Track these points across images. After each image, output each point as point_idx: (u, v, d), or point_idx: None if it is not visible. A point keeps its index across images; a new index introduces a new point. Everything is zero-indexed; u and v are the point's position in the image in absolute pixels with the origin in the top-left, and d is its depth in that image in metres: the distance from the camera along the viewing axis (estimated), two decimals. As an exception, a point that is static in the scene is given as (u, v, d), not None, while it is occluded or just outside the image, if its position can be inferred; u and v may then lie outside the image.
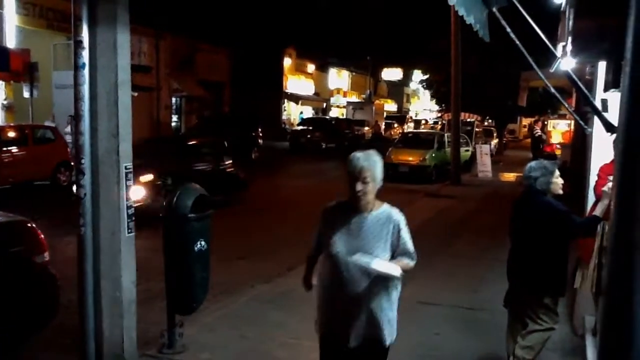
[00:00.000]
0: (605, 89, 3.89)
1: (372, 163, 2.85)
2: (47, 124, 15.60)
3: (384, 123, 42.18)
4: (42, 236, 4.45)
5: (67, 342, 4.55)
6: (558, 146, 21.44)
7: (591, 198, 4.81)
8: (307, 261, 3.29)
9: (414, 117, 52.35)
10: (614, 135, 4.09)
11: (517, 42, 2.92)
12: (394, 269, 2.86)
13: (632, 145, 1.29)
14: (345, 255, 2.87)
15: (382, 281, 2.90)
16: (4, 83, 16.76)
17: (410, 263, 2.98)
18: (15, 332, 4.18)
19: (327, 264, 3.00)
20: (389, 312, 3.04)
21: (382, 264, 2.83)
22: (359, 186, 2.83)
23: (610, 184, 3.72)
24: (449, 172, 17.54)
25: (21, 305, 4.18)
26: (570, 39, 3.99)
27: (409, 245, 2.96)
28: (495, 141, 28.10)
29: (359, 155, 2.87)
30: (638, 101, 1.28)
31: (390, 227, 2.91)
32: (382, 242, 2.89)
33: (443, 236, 9.60)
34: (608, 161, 4.49)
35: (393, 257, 2.94)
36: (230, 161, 13.17)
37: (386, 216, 2.93)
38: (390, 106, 53.67)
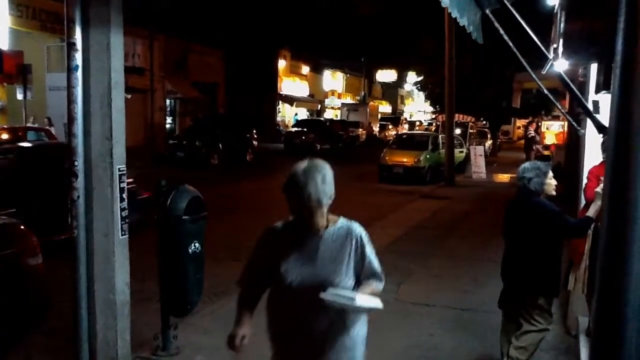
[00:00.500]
0: (597, 91, 3.92)
1: (317, 177, 2.32)
2: (29, 125, 15.53)
3: (378, 124, 42.29)
4: (35, 238, 4.43)
5: (60, 344, 4.53)
6: (545, 151, 21.59)
7: (584, 199, 4.83)
8: (238, 302, 2.62)
9: (408, 119, 52.49)
10: (603, 138, 4.13)
11: (511, 44, 2.94)
12: (376, 301, 2.37)
13: (623, 146, 1.30)
14: (300, 286, 2.37)
15: (344, 316, 2.40)
16: (-3, 85, 16.72)
17: (379, 286, 2.50)
18: (8, 335, 4.16)
19: (276, 301, 2.50)
20: (354, 352, 2.48)
21: (366, 299, 2.33)
22: (304, 211, 2.36)
23: (602, 185, 3.74)
24: (443, 173, 17.59)
25: (13, 307, 4.16)
26: (561, 41, 4.01)
27: (376, 264, 2.49)
28: (489, 142, 28.22)
29: (301, 169, 2.34)
30: (628, 103, 1.28)
31: (351, 245, 2.43)
32: (344, 266, 2.41)
33: (437, 237, 9.62)
34: (597, 163, 4.52)
35: (358, 281, 2.45)
36: None
37: (345, 232, 2.45)
38: (385, 108, 53.78)
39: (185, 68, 27.16)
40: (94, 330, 4.04)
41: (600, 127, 2.65)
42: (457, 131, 21.65)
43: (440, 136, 19.79)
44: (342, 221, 2.50)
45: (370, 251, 2.47)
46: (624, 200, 1.29)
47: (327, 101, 44.37)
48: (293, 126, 34.17)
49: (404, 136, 21.97)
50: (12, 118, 17.15)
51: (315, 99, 42.35)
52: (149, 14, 21.10)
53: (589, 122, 4.73)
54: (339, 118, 39.62)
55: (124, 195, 4.07)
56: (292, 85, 38.32)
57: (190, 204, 4.51)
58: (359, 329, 2.49)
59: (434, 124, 33.88)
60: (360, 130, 36.79)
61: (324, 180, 2.34)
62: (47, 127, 15.88)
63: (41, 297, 4.43)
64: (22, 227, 4.45)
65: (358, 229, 2.48)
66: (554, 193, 4.05)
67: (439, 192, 15.62)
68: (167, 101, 26.88)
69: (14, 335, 4.27)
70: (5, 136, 13.45)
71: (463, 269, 7.51)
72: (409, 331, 5.28)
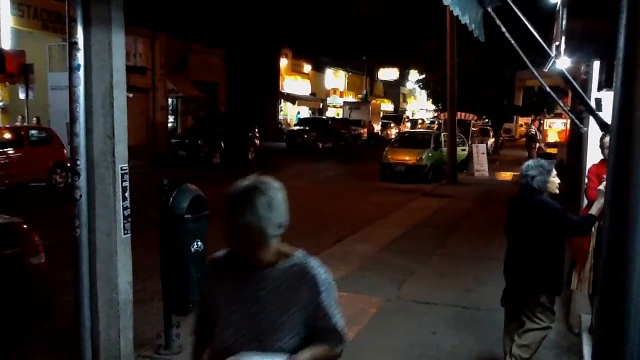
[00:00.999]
0: (599, 89, 3.91)
1: (260, 201, 1.78)
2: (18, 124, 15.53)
3: (380, 123, 42.28)
4: (37, 238, 4.44)
5: (63, 343, 4.54)
6: (543, 146, 21.62)
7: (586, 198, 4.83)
8: (191, 355, 2.12)
9: (410, 117, 52.47)
10: (600, 136, 4.12)
11: (513, 42, 2.93)
12: None
13: (625, 144, 1.30)
14: (233, 342, 1.86)
15: None
16: (-1, 84, 16.74)
17: (335, 350, 1.91)
18: (11, 334, 4.17)
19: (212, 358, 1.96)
20: None
21: None
22: (242, 248, 1.85)
23: (604, 183, 3.73)
24: (445, 172, 17.57)
25: (16, 307, 4.17)
26: (563, 38, 4.01)
27: (335, 318, 1.88)
28: (491, 140, 28.20)
29: (239, 189, 1.82)
30: (630, 100, 1.28)
31: (304, 290, 1.85)
32: (290, 317, 1.84)
33: (439, 235, 9.62)
34: (597, 162, 4.51)
35: (308, 339, 1.87)
36: None
37: (299, 272, 1.87)
38: (387, 106, 53.76)
39: (187, 67, 27.17)
40: (97, 329, 4.05)
41: (602, 125, 2.64)
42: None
43: (442, 134, 19.78)
44: (297, 257, 1.91)
45: (329, 300, 1.87)
46: (626, 198, 1.29)
47: (329, 100, 44.36)
48: (295, 125, 34.18)
49: (406, 134, 21.96)
50: (15, 117, 17.19)
51: (317, 98, 42.34)
52: (150, 13, 21.11)
53: (591, 119, 4.73)
54: (340, 116, 39.63)
55: (127, 194, 4.08)
56: (293, 83, 38.32)
57: (192, 203, 4.51)
58: None
59: (436, 122, 33.86)
60: (363, 129, 36.80)
61: (270, 205, 1.79)
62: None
63: (44, 296, 4.43)
64: (24, 226, 4.46)
65: (317, 268, 1.89)
66: (557, 191, 4.04)
67: (441, 191, 15.61)
68: (169, 100, 26.90)
69: (17, 334, 4.28)
70: (7, 135, 13.47)
71: (465, 267, 7.51)
72: (410, 329, 5.28)
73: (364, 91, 48.80)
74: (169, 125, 27.00)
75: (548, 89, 4.19)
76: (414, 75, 45.25)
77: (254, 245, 1.82)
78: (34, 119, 16.57)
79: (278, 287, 1.86)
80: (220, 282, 1.94)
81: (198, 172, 15.51)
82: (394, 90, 58.10)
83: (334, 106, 44.68)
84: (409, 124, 44.78)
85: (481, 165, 19.26)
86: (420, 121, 48.52)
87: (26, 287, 4.30)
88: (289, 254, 1.91)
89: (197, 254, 4.56)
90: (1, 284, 4.03)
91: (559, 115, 31.64)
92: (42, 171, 13.57)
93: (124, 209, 4.07)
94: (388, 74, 53.60)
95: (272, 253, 1.86)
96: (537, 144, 21.75)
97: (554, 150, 19.64)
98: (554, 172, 4.02)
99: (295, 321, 1.85)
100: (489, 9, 3.13)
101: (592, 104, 2.96)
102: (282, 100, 37.50)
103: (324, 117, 36.56)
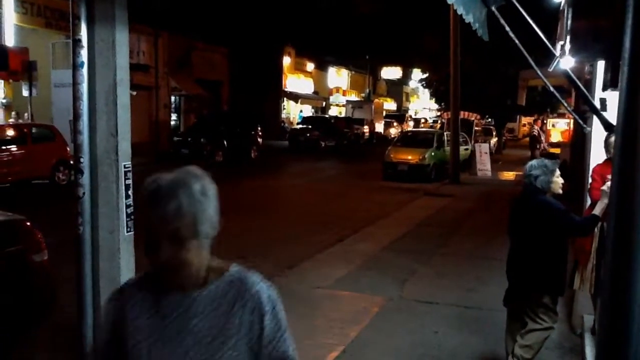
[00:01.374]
0: (604, 88, 3.90)
1: (192, 189, 1.45)
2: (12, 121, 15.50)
3: (383, 122, 42.26)
4: (40, 235, 4.45)
5: (64, 340, 4.55)
6: (546, 146, 21.57)
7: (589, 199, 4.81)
8: None
9: (413, 116, 52.44)
10: (605, 136, 4.10)
11: (516, 41, 2.93)
12: None
13: (631, 145, 1.29)
14: None
15: None
16: (2, 82, 16.75)
17: None
18: (12, 331, 4.18)
19: None
20: None
21: None
22: (167, 248, 1.42)
23: (608, 184, 3.72)
24: (447, 171, 17.56)
25: (18, 303, 4.18)
26: (568, 38, 3.99)
27: (285, 346, 1.54)
28: (494, 140, 28.15)
29: (165, 180, 1.46)
30: (636, 100, 1.28)
31: (245, 313, 1.50)
32: (231, 350, 1.48)
33: (441, 235, 9.61)
34: (601, 161, 4.50)
35: None
36: None
37: (236, 292, 1.51)
38: (390, 105, 53.74)
39: (190, 65, 27.20)
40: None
41: (607, 125, 2.64)
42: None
43: (445, 134, 19.76)
44: (233, 272, 1.54)
45: (276, 324, 1.52)
46: (631, 199, 1.29)
47: (331, 98, 44.36)
48: (298, 123, 34.19)
49: (409, 134, 21.95)
50: (13, 115, 17.19)
51: (320, 96, 42.34)
52: (154, 12, 21.14)
53: (595, 119, 4.72)
54: (343, 115, 39.62)
55: (130, 192, 4.08)
56: (296, 82, 38.33)
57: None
58: None
59: (439, 122, 33.82)
60: (365, 128, 36.80)
61: (205, 193, 1.46)
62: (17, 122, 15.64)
63: (46, 293, 4.44)
64: (27, 223, 4.47)
65: (258, 285, 1.53)
66: (560, 191, 4.03)
67: (443, 190, 15.60)
68: (172, 98, 26.94)
69: (19, 331, 4.29)
70: (11, 132, 13.50)
71: (467, 267, 7.50)
72: (412, 329, 5.28)
73: (367, 90, 48.79)
74: (172, 123, 27.04)
75: (552, 89, 4.19)
76: (417, 74, 45.17)
77: (182, 247, 1.43)
78: (26, 114, 16.55)
79: (212, 312, 1.49)
80: (134, 317, 1.52)
81: (200, 170, 15.52)
82: (396, 89, 58.07)
83: (337, 105, 44.68)
84: (411, 123, 44.74)
85: (484, 165, 19.23)
86: (423, 120, 48.49)
87: (29, 285, 4.31)
88: (223, 270, 1.54)
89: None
90: (4, 281, 4.04)
91: (562, 115, 31.57)
92: (45, 169, 13.60)
93: (127, 206, 4.07)
94: (391, 72, 53.57)
95: (203, 266, 1.50)
96: (542, 145, 21.71)
97: (557, 150, 19.60)
98: (558, 172, 4.01)
99: (239, 354, 1.48)
100: (493, 8, 3.12)
101: (597, 103, 2.95)
102: (284, 99, 37.52)
103: (327, 116, 36.57)
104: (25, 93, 16.28)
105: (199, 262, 1.49)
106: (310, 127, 29.77)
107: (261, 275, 1.58)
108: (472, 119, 24.06)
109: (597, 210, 3.82)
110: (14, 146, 13.16)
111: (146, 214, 1.46)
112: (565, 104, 5.77)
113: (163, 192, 1.43)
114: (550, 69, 3.61)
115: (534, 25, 2.83)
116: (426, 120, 48.99)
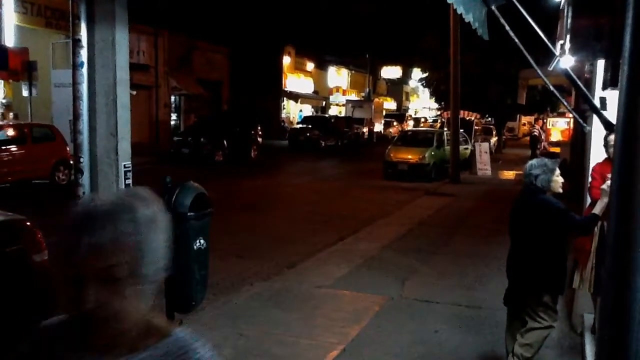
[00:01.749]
0: (604, 87, 3.90)
1: (137, 226, 1.12)
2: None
3: (383, 121, 42.25)
4: (40, 235, 4.45)
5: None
6: (547, 145, 21.58)
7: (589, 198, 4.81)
8: None
9: (413, 115, 52.43)
10: (604, 135, 4.10)
11: (516, 40, 2.93)
12: None
13: (631, 144, 1.29)
14: None
15: None
16: (2, 82, 16.75)
17: None
18: (12, 331, 4.18)
19: None
20: None
21: None
22: (94, 292, 1.08)
23: (608, 182, 3.72)
24: (448, 170, 17.56)
25: (18, 303, 4.18)
26: (568, 37, 3.99)
27: None
28: (494, 139, 28.14)
29: (103, 205, 1.12)
30: (636, 99, 1.28)
31: None
32: None
33: (441, 234, 9.61)
34: (600, 160, 4.50)
35: None
36: None
37: None
38: (390, 104, 53.73)
39: (190, 65, 27.21)
40: (100, 326, 4.06)
41: (607, 124, 2.64)
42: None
43: (445, 133, 19.75)
44: (174, 339, 1.22)
45: None
46: (631, 198, 1.28)
47: (331, 98, 44.34)
48: (298, 123, 34.19)
49: (409, 133, 21.94)
50: (18, 114, 17.20)
51: (320, 96, 42.33)
52: (154, 11, 21.13)
53: (595, 118, 4.72)
54: (343, 115, 39.62)
55: (129, 192, 4.08)
56: (296, 81, 38.32)
57: (195, 200, 4.52)
58: None
59: (439, 121, 33.81)
60: (365, 127, 36.81)
61: (155, 222, 1.16)
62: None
63: (46, 293, 4.44)
64: (27, 223, 4.47)
65: (199, 353, 1.24)
66: (560, 190, 4.03)
67: (443, 189, 15.60)
68: (172, 98, 26.94)
69: (19, 331, 4.29)
70: (11, 132, 13.49)
71: (467, 266, 7.50)
72: (413, 328, 5.28)
73: (367, 89, 48.76)
74: (172, 123, 27.05)
75: (552, 88, 4.18)
76: (417, 73, 45.09)
77: (115, 292, 1.08)
78: (11, 114, 16.51)
79: None
80: None
81: (201, 170, 15.54)
82: (396, 89, 58.06)
83: (337, 104, 44.67)
84: (411, 123, 44.74)
85: (484, 164, 19.23)
86: (423, 120, 48.48)
87: (29, 285, 4.31)
88: (164, 333, 1.20)
89: (200, 251, 4.56)
90: (4, 281, 4.04)
91: (562, 114, 31.58)
92: (45, 168, 13.59)
93: (127, 206, 4.07)
94: (391, 72, 53.54)
95: (140, 323, 1.16)
96: (542, 144, 21.73)
97: (557, 150, 19.61)
98: (558, 171, 4.01)
99: None
100: (493, 8, 3.12)
101: (597, 103, 2.95)
102: (284, 98, 37.51)
103: (327, 116, 36.56)
104: (25, 93, 16.28)
105: (135, 316, 1.13)
106: (310, 126, 29.77)
107: (209, 344, 1.28)
108: (472, 118, 24.06)
109: (597, 209, 3.82)
110: (14, 146, 13.16)
111: (71, 241, 1.09)
112: (565, 103, 5.76)
113: (99, 216, 1.09)
114: (550, 68, 3.60)
115: (534, 24, 2.83)
116: (426, 119, 48.98)
